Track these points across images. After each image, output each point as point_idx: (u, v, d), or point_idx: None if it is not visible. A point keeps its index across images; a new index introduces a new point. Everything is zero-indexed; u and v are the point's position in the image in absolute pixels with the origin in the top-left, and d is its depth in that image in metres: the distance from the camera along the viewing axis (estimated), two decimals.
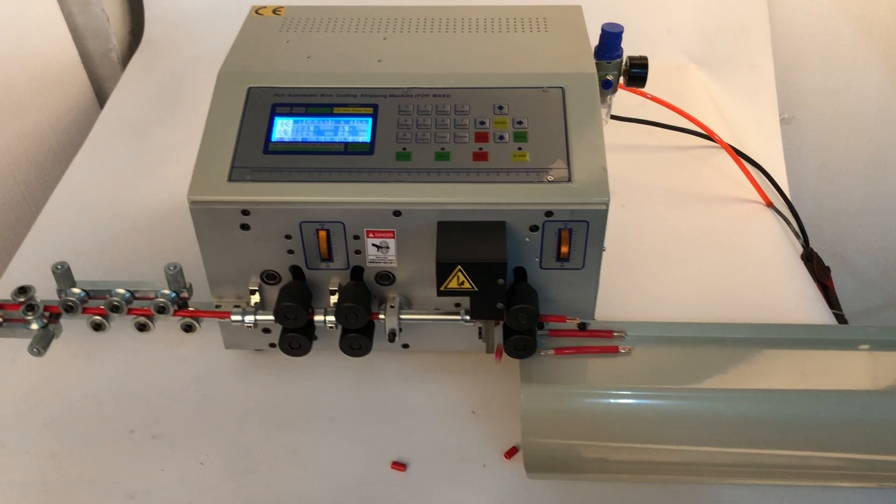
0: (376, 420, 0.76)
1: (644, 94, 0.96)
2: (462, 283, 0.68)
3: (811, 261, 1.00)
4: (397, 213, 0.69)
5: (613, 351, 0.76)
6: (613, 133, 1.07)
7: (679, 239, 0.95)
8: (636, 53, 0.87)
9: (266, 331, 0.78)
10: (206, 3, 1.30)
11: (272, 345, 0.79)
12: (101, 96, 1.31)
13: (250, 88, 0.76)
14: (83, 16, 1.28)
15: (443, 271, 0.67)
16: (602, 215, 0.70)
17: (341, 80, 0.77)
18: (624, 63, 0.88)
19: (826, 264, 1.03)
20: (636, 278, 0.90)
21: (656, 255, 0.93)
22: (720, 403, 0.72)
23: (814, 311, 0.88)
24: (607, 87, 0.88)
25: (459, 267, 0.67)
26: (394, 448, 0.74)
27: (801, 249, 1.01)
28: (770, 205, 1.01)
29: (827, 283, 1.01)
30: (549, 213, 0.69)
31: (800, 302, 0.89)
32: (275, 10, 0.88)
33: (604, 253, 0.71)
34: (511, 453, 0.74)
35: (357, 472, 0.72)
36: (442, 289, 0.68)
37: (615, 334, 0.77)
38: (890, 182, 1.44)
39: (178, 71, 1.28)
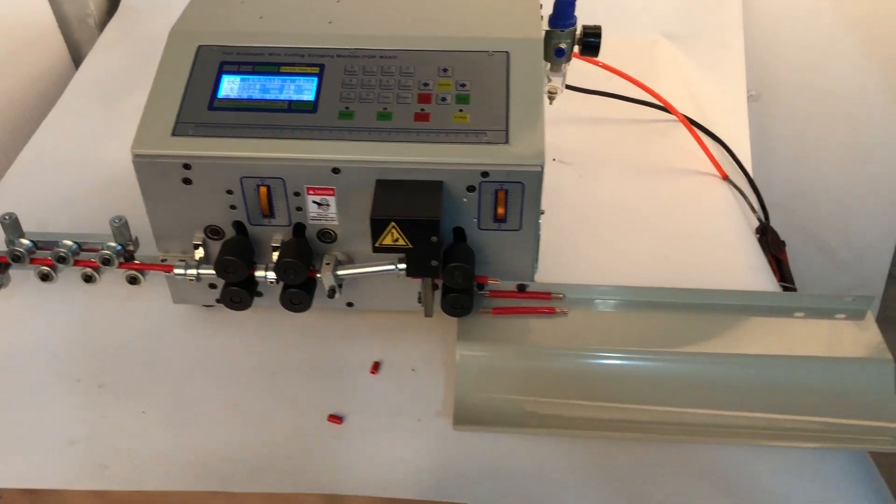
0: (318, 375, 0.78)
1: (597, 63, 0.97)
2: (396, 239, 0.69)
3: (766, 234, 1.01)
4: (336, 171, 0.71)
5: (551, 312, 0.77)
6: (575, 105, 1.09)
7: (632, 209, 0.96)
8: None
9: (212, 286, 0.79)
10: None
11: (219, 300, 0.80)
12: (78, 61, 1.32)
13: (200, 47, 0.77)
14: None
15: (377, 228, 0.68)
16: (537, 177, 0.71)
17: (290, 40, 0.78)
18: (578, 32, 0.88)
19: (783, 239, 1.04)
20: (587, 247, 0.91)
21: (609, 225, 0.94)
22: (648, 363, 0.73)
23: (760, 281, 0.89)
24: (560, 55, 0.88)
25: (393, 224, 0.68)
26: (333, 403, 0.75)
27: (756, 223, 1.02)
28: (726, 178, 1.01)
29: (781, 256, 1.02)
30: (484, 174, 0.70)
31: (747, 272, 0.90)
32: None
33: (556, 221, 0.72)
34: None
35: (294, 424, 0.74)
36: (377, 245, 0.69)
37: (553, 296, 0.78)
38: (864, 163, 1.45)
39: (154, 36, 1.27)
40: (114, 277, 0.85)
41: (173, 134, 0.72)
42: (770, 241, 1.01)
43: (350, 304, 0.81)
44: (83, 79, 1.21)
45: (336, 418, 0.74)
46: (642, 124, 1.09)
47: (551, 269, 0.84)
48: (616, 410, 0.72)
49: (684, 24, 1.29)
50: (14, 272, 0.78)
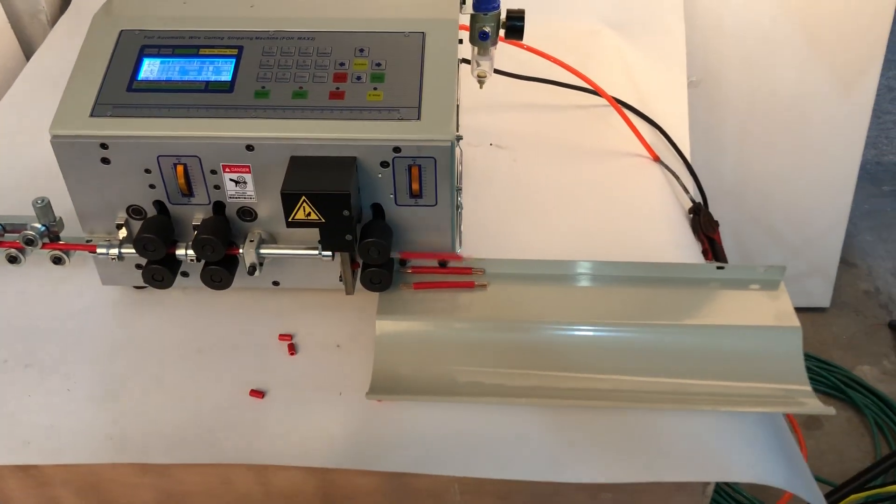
0: (243, 352, 0.79)
1: (522, 46, 0.98)
2: (309, 214, 0.70)
3: (698, 214, 1.03)
4: (250, 148, 0.72)
5: (470, 286, 0.79)
6: (513, 91, 1.11)
7: (564, 190, 0.98)
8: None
9: (139, 266, 0.81)
10: None
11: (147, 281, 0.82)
12: (30, 56, 1.33)
13: (122, 31, 0.79)
14: None
15: (288, 202, 0.70)
16: (447, 152, 0.72)
17: (211, 24, 0.79)
18: (502, 15, 0.90)
19: (716, 219, 1.06)
20: (517, 226, 0.92)
21: (540, 205, 0.96)
22: (565, 332, 0.75)
23: (687, 258, 0.91)
24: (485, 38, 0.90)
25: (304, 198, 0.70)
26: (257, 379, 0.77)
27: (689, 204, 1.04)
28: (657, 159, 1.03)
29: (714, 236, 1.04)
30: (396, 150, 0.72)
31: (675, 250, 0.92)
32: None
33: (488, 202, 0.74)
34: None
35: (216, 399, 0.75)
36: (290, 220, 0.71)
37: (474, 270, 0.80)
38: (809, 148, 1.47)
39: None
40: (44, 260, 0.86)
41: (91, 115, 0.73)
42: (703, 221, 1.02)
43: (276, 283, 0.82)
44: (32, 71, 1.22)
45: (258, 393, 0.75)
46: (578, 110, 1.10)
47: (479, 248, 0.85)
48: (531, 377, 0.73)
49: (625, 11, 1.31)
50: None
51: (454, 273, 0.79)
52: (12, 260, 0.77)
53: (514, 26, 0.90)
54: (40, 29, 1.35)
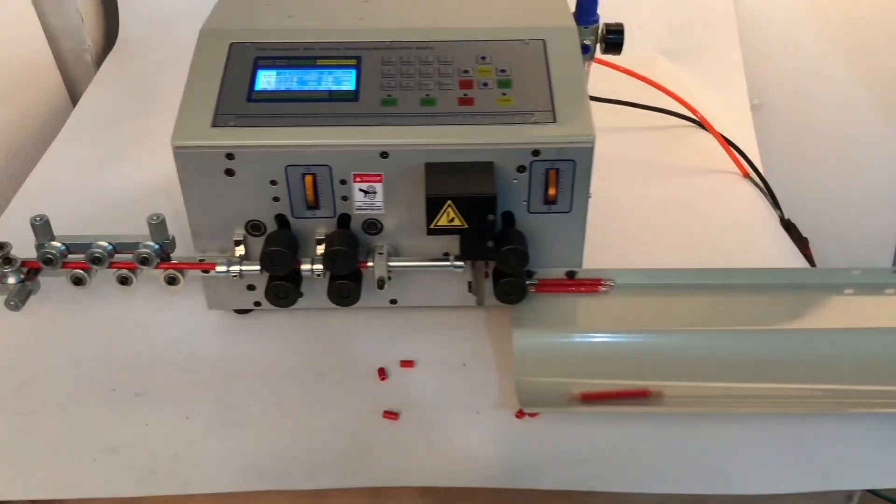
0: (365, 374, 0.75)
1: (618, 68, 0.98)
2: (452, 219, 0.68)
3: (790, 230, 1.01)
4: (384, 155, 0.69)
5: (595, 291, 0.76)
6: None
7: (659, 206, 0.96)
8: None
9: (250, 288, 0.77)
10: (182, 4, 1.31)
11: (257, 304, 0.78)
12: (75, 97, 1.30)
13: (232, 44, 0.76)
14: (57, 16, 1.27)
15: (432, 207, 0.67)
16: (588, 153, 0.70)
17: (323, 36, 0.77)
18: (600, 29, 0.89)
19: (804, 235, 1.04)
20: (617, 243, 0.90)
21: (637, 222, 0.94)
22: (704, 342, 0.72)
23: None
24: (585, 51, 0.89)
25: (449, 202, 0.67)
26: (384, 400, 0.72)
27: (778, 219, 1.02)
28: (746, 175, 1.02)
29: (806, 252, 1.02)
30: (535, 153, 0.70)
31: (785, 262, 0.90)
32: None
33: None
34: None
35: (349, 423, 0.70)
36: (432, 227, 0.68)
37: (603, 282, 0.77)
38: (856, 170, 1.47)
39: (151, 70, 1.27)
40: (142, 287, 0.82)
41: (213, 125, 0.70)
42: (794, 238, 1.01)
43: (393, 301, 0.79)
44: (81, 113, 1.18)
45: (391, 414, 0.71)
46: (656, 130, 1.10)
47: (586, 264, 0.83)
48: (688, 387, 0.70)
49: (679, 41, 1.32)
50: (43, 279, 0.74)
51: (582, 286, 0.76)
52: (124, 281, 0.73)
53: (613, 41, 0.89)
54: (85, 69, 1.32)
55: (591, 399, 0.69)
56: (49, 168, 1.05)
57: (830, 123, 1.42)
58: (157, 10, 1.33)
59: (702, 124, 1.08)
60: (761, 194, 1.01)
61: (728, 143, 1.09)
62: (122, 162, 1.05)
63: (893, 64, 1.41)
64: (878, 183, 1.48)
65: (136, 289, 0.79)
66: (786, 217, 1.04)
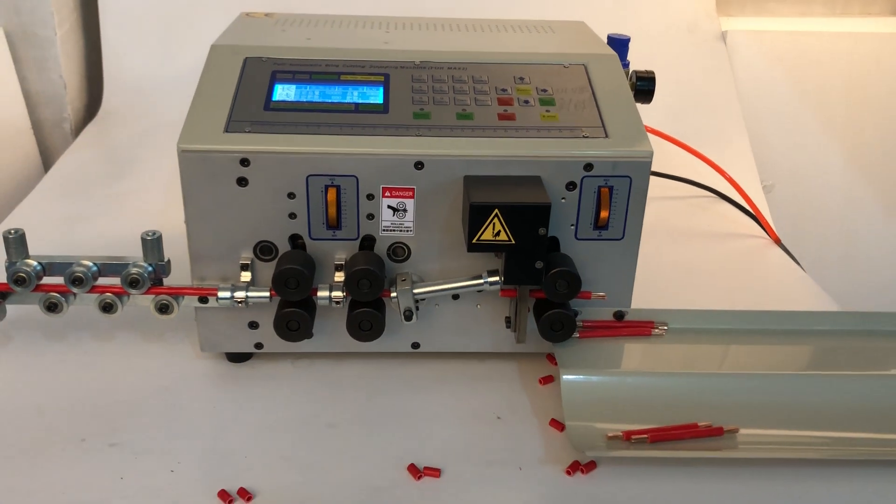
0: (385, 426, 0.64)
1: (661, 135, 0.95)
2: (498, 233, 0.59)
3: None
4: (419, 165, 0.61)
5: (646, 334, 0.67)
6: None
7: (695, 270, 0.90)
8: None
9: (253, 326, 0.66)
10: (171, 74, 1.26)
11: (258, 345, 0.67)
12: (48, 165, 1.21)
13: (247, 59, 0.69)
14: (39, 82, 1.21)
15: (477, 217, 0.58)
16: (646, 168, 0.63)
17: (347, 55, 0.71)
18: (630, 77, 0.85)
19: None
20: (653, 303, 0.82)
21: (670, 283, 0.86)
22: (761, 385, 0.63)
23: None
24: None
25: (496, 211, 0.58)
26: (409, 454, 0.61)
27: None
28: (778, 242, 0.96)
29: None
30: (588, 167, 0.62)
31: None
32: (266, 14, 0.83)
33: None
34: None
35: (367, 478, 0.59)
36: (474, 241, 0.59)
37: (657, 325, 0.68)
38: (855, 259, 1.45)
39: (131, 140, 1.20)
40: (123, 326, 0.71)
41: (226, 130, 0.62)
42: None
43: (416, 346, 0.68)
44: (53, 178, 1.09)
45: (433, 471, 0.59)
46: (680, 200, 1.05)
47: None
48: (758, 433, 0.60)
49: (684, 126, 1.29)
50: (12, 308, 0.63)
51: (634, 326, 0.68)
52: (107, 308, 0.62)
53: (644, 88, 0.85)
54: (62, 139, 1.25)
55: (659, 439, 0.58)
56: (15, 224, 0.95)
57: (834, 209, 1.41)
58: (143, 81, 1.27)
59: (723, 196, 1.05)
60: (791, 258, 0.95)
61: (748, 214, 1.04)
62: (90, 220, 0.96)
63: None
64: (879, 276, 1.45)
65: (113, 329, 0.68)
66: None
